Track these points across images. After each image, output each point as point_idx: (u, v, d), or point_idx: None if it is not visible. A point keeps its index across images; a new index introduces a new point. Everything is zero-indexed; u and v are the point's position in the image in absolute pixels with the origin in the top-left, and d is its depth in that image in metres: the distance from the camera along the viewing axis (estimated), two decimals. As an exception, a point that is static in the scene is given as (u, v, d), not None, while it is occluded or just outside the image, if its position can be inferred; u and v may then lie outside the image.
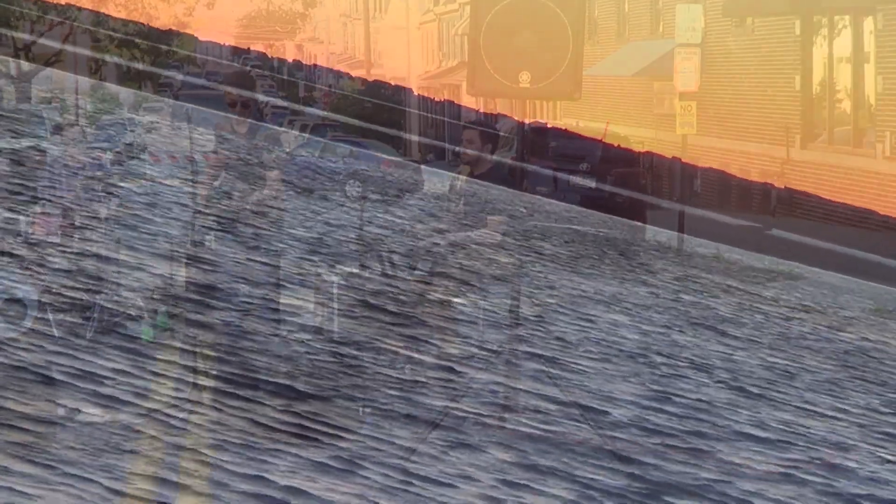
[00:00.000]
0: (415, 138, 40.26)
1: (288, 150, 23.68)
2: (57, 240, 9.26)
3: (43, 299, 7.42)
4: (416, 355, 7.80)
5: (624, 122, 30.23)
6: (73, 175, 12.06)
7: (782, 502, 6.44)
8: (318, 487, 5.42)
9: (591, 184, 22.12)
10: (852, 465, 7.31)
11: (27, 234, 9.34)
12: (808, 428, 8.07)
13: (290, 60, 55.75)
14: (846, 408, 8.91)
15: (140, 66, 34.47)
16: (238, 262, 8.12)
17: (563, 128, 28.25)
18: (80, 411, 5.76)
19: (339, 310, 8.62)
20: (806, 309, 13.87)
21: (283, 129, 28.06)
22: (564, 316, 10.44)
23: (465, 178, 8.57)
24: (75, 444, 5.33)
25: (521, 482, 5.96)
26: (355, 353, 7.69)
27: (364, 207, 14.77)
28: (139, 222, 10.53)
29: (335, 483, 5.54)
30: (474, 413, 6.74)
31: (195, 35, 39.36)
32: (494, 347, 7.73)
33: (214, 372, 6.66)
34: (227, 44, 51.86)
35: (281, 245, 8.39)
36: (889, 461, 7.54)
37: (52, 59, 31.71)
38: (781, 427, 7.94)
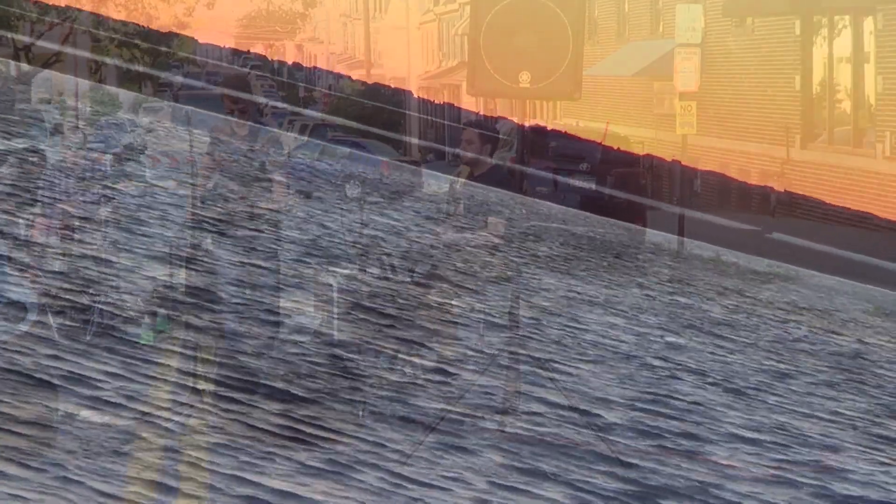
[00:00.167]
0: (414, 139, 40.26)
1: (288, 151, 23.66)
2: (55, 242, 9.25)
3: (42, 302, 7.40)
4: (414, 359, 7.78)
5: (624, 122, 30.22)
6: (71, 177, 12.04)
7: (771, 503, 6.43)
8: (311, 491, 5.41)
9: (591, 185, 22.11)
10: (847, 467, 7.30)
11: (26, 236, 9.32)
12: (803, 430, 8.06)
13: (289, 62, 55.77)
14: (841, 410, 8.90)
15: (140, 67, 34.47)
16: (234, 265, 8.11)
17: (563, 128, 28.24)
18: (77, 415, 5.74)
19: (337, 312, 8.60)
20: (803, 311, 13.87)
21: (283, 130, 28.05)
22: (559, 318, 10.43)
23: (464, 179, 8.56)
24: (72, 449, 5.31)
25: (515, 486, 5.95)
26: (353, 356, 7.68)
27: (363, 209, 14.75)
28: (137, 224, 10.52)
29: (330, 486, 5.53)
30: (469, 416, 6.73)
31: (195, 36, 39.36)
32: (492, 350, 7.71)
33: (213, 375, 6.64)
34: (226, 45, 51.88)
35: (279, 247, 8.38)
36: (883, 464, 7.53)
37: (52, 60, 31.71)
38: (776, 429, 7.93)
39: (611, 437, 6.86)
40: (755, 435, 7.67)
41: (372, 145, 28.96)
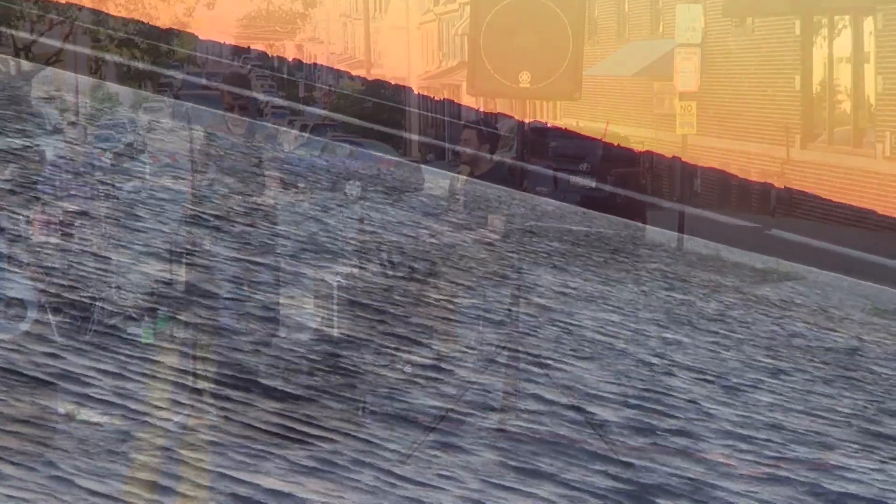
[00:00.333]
0: (415, 138, 40.27)
1: (286, 149, 23.68)
2: (55, 239, 9.26)
3: (42, 300, 7.41)
4: (412, 357, 7.79)
5: (624, 122, 30.23)
6: (72, 174, 12.06)
7: (770, 502, 6.44)
8: (305, 490, 5.42)
9: (591, 184, 22.12)
10: (842, 465, 7.31)
11: (26, 233, 9.33)
12: (798, 428, 8.07)
13: (290, 60, 55.76)
14: (836, 407, 8.92)
15: (140, 65, 34.48)
16: (230, 261, 8.12)
17: (563, 128, 28.24)
18: (74, 414, 5.75)
19: (336, 310, 8.61)
20: (800, 309, 13.88)
21: (282, 128, 28.07)
22: (556, 315, 10.44)
23: (464, 178, 8.58)
24: (68, 448, 5.32)
25: (510, 485, 5.96)
26: (350, 353, 7.69)
27: (363, 207, 14.77)
28: (136, 221, 10.53)
29: (325, 486, 5.54)
30: (466, 414, 6.74)
31: (195, 35, 39.36)
32: (490, 348, 7.72)
33: (211, 374, 6.65)
34: (227, 43, 51.88)
35: (276, 243, 8.39)
36: (879, 462, 7.54)
37: (53, 59, 31.72)
38: (771, 427, 7.94)
39: (606, 435, 6.87)
40: (750, 432, 7.69)
41: (372, 145, 28.97)
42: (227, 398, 6.38)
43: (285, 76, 52.40)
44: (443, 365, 7.69)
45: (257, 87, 47.53)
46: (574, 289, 12.21)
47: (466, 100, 38.54)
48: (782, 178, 26.31)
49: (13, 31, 31.75)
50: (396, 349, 7.90)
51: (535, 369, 7.33)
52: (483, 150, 8.38)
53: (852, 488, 6.87)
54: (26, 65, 30.93)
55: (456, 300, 8.58)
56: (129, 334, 7.14)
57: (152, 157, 14.58)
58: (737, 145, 28.00)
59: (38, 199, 10.60)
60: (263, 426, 6.08)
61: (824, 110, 26.16)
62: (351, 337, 8.06)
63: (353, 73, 48.35)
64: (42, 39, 31.85)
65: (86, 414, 5.75)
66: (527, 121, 17.12)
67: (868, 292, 15.91)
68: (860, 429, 8.34)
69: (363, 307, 8.83)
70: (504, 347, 7.12)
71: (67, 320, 7.13)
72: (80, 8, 32.51)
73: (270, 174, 8.05)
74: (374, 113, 36.85)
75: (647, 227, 20.89)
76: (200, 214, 7.94)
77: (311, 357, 7.41)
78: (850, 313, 14.07)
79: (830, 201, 24.24)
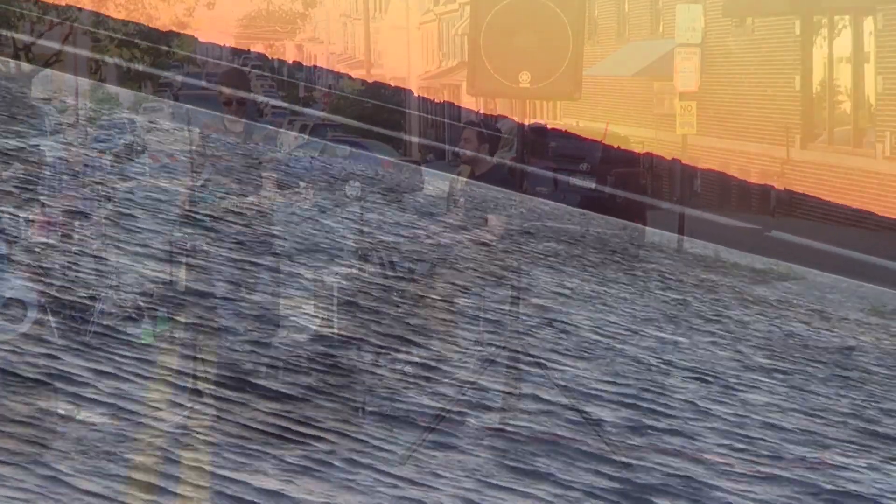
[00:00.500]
0: (415, 139, 40.26)
1: (286, 149, 23.67)
2: (55, 240, 9.25)
3: (42, 300, 7.41)
4: (412, 357, 7.78)
5: (624, 122, 30.22)
6: (71, 175, 12.05)
7: (766, 502, 6.43)
8: (299, 490, 5.40)
9: (591, 184, 22.11)
10: (838, 464, 7.31)
11: (26, 234, 9.33)
12: (794, 427, 8.06)
13: (290, 61, 55.76)
14: (832, 407, 8.92)
15: (140, 66, 34.46)
16: (226, 262, 8.11)
17: (563, 128, 28.23)
18: (76, 415, 5.75)
19: (335, 310, 8.60)
20: (799, 309, 13.88)
21: (281, 129, 28.06)
22: (555, 315, 10.44)
23: (464, 178, 8.57)
24: (65, 449, 5.31)
25: (505, 484, 5.95)
26: (350, 354, 7.68)
27: (363, 207, 14.76)
28: (135, 222, 10.52)
29: (322, 486, 5.53)
30: (463, 413, 6.73)
31: (195, 35, 39.35)
32: (489, 349, 7.72)
33: (209, 374, 6.64)
34: (227, 44, 51.88)
35: (272, 244, 8.37)
36: (874, 460, 7.54)
37: (52, 60, 31.70)
38: (767, 426, 7.93)
39: (605, 435, 6.86)
40: (747, 432, 7.69)
41: (372, 145, 28.95)
42: (224, 399, 6.37)
43: (285, 77, 52.41)
44: (441, 365, 7.68)
45: (257, 87, 47.54)
46: (573, 289, 12.21)
47: (466, 100, 38.54)
48: (782, 178, 26.30)
49: (13, 33, 31.74)
50: (395, 350, 7.89)
51: (533, 369, 7.33)
52: (483, 151, 8.37)
53: (849, 487, 6.87)
54: (26, 66, 30.92)
55: (454, 301, 8.57)
56: (126, 335, 7.13)
57: (152, 158, 14.57)
58: (737, 145, 28.00)
59: (37, 199, 10.60)
60: (260, 426, 6.07)
61: (824, 110, 26.15)
62: (348, 337, 8.05)
63: (353, 73, 48.34)
64: (41, 41, 31.84)
65: (83, 414, 5.74)
66: (527, 121, 17.08)
67: (867, 293, 15.91)
68: (857, 428, 8.34)
69: (361, 308, 8.82)
70: (502, 348, 7.11)
71: (66, 321, 7.12)
72: (80, 9, 32.50)
73: (268, 175, 8.02)
74: (374, 114, 36.84)
75: (647, 228, 20.89)
76: (197, 215, 7.92)
77: (309, 357, 7.40)
78: (848, 314, 14.07)
79: (830, 202, 24.23)
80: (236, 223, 8.08)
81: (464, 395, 6.97)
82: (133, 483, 5.12)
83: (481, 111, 33.69)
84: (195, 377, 6.60)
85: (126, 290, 8.01)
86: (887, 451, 7.82)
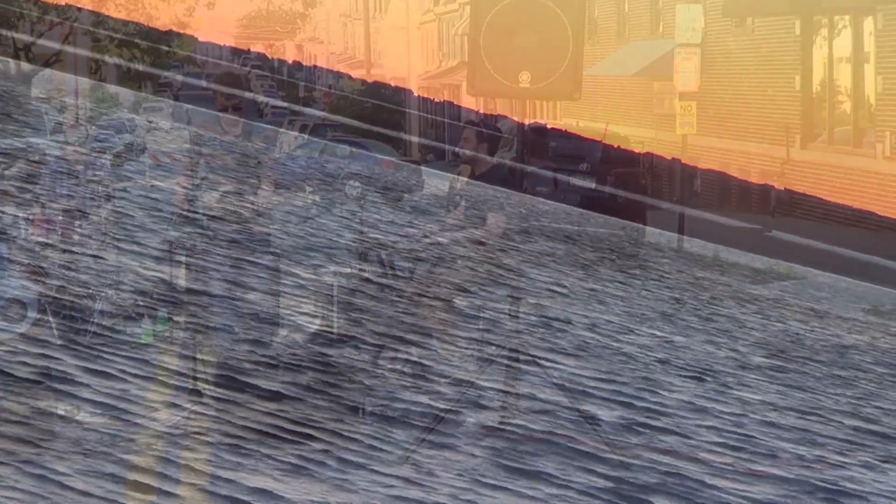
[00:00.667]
0: (415, 139, 40.25)
1: (286, 150, 23.65)
2: (55, 240, 9.25)
3: (42, 301, 7.40)
4: (410, 357, 7.78)
5: (624, 122, 30.21)
6: (71, 175, 12.05)
7: (763, 501, 6.43)
8: (296, 490, 5.40)
9: (591, 184, 22.10)
10: (835, 463, 7.31)
11: (25, 234, 9.33)
12: (792, 426, 8.06)
13: (290, 61, 55.75)
14: (830, 406, 8.92)
15: (140, 66, 34.46)
16: (224, 262, 8.10)
17: (563, 128, 28.23)
18: (76, 415, 5.74)
19: (333, 310, 8.60)
20: (797, 309, 13.88)
21: (281, 129, 28.05)
22: (553, 315, 10.44)
23: (465, 178, 8.56)
24: (62, 449, 5.31)
25: (502, 484, 5.94)
26: (349, 354, 7.68)
27: (363, 208, 14.76)
28: (134, 223, 10.53)
29: (320, 487, 5.52)
30: (460, 413, 6.72)
31: (195, 35, 39.34)
32: (487, 348, 7.72)
33: (206, 374, 6.64)
34: (226, 44, 51.88)
35: (273, 245, 8.37)
36: (872, 459, 7.54)
37: (52, 60, 31.70)
38: (764, 425, 7.94)
39: (605, 435, 6.86)
40: (744, 431, 7.69)
41: (372, 145, 28.94)
42: (221, 398, 6.37)
43: (285, 77, 52.42)
44: (439, 365, 7.68)
45: (257, 87, 47.54)
46: (572, 289, 12.21)
47: (466, 100, 38.53)
48: (782, 178, 26.30)
49: (13, 33, 31.73)
50: (393, 349, 7.89)
51: (531, 368, 7.33)
52: (482, 150, 8.36)
53: (846, 486, 6.87)
54: (26, 66, 30.92)
55: (453, 300, 8.57)
56: (126, 335, 7.13)
57: (151, 158, 14.57)
58: (737, 145, 27.99)
59: (36, 199, 10.60)
60: (256, 426, 6.06)
61: (824, 110, 26.15)
62: (346, 336, 8.05)
63: (353, 73, 48.34)
64: (41, 41, 31.83)
65: (82, 415, 5.74)
66: (527, 121, 17.04)
67: (867, 293, 15.91)
68: (854, 427, 8.34)
69: (360, 307, 8.82)
70: (501, 347, 7.11)
71: (65, 321, 7.12)
72: (80, 9, 32.49)
73: (266, 175, 8.01)
74: (374, 114, 36.84)
75: (647, 228, 20.90)
76: (195, 215, 7.92)
77: (305, 357, 7.40)
78: (847, 314, 14.07)
79: (830, 202, 24.23)
80: (233, 223, 8.08)
81: (463, 395, 6.97)
82: (130, 484, 5.11)
83: (481, 111, 33.69)
84: (193, 377, 6.59)
85: (125, 290, 8.00)
86: (884, 450, 7.83)
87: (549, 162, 21.88)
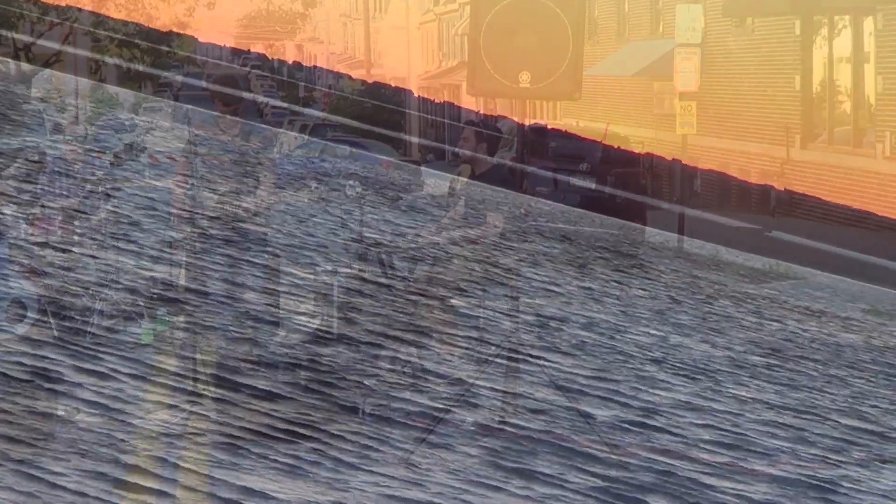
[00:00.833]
0: (415, 139, 40.24)
1: (285, 150, 23.64)
2: (55, 240, 9.25)
3: (42, 301, 7.40)
4: (409, 357, 7.78)
5: (624, 122, 30.21)
6: (70, 175, 12.05)
7: (758, 500, 6.43)
8: (292, 491, 5.40)
9: (591, 184, 22.10)
10: (832, 462, 7.31)
11: (25, 233, 9.32)
12: (791, 426, 8.06)
13: (290, 61, 55.76)
14: (828, 405, 8.91)
15: (140, 66, 34.45)
16: (223, 263, 8.11)
17: (563, 128, 28.23)
18: (75, 415, 5.74)
19: (336, 311, 8.60)
20: (796, 309, 13.87)
21: (280, 129, 28.05)
22: (553, 315, 10.44)
23: (465, 178, 8.56)
24: (60, 449, 5.30)
25: (498, 484, 5.94)
26: (347, 353, 7.67)
27: (363, 208, 14.75)
28: (133, 223, 10.52)
29: (318, 488, 5.52)
30: (458, 413, 6.72)
31: (195, 35, 39.34)
32: (486, 348, 7.72)
33: (204, 375, 6.64)
34: (227, 44, 51.89)
35: (269, 244, 8.37)
36: (869, 458, 7.54)
37: (52, 60, 31.69)
38: (762, 425, 7.93)
39: (595, 433, 6.86)
40: (741, 431, 7.69)
41: (372, 145, 28.94)
42: (218, 399, 6.37)
43: (285, 77, 52.42)
44: (436, 365, 7.68)
45: (257, 87, 47.53)
46: (571, 289, 12.20)
47: (466, 100, 38.53)
48: (782, 178, 26.29)
49: (13, 33, 31.73)
50: (391, 349, 7.89)
51: (526, 367, 7.32)
52: (481, 150, 8.36)
53: (842, 485, 6.87)
54: (26, 66, 30.92)
55: (452, 300, 8.57)
56: (125, 335, 7.12)
57: (151, 159, 14.57)
58: (737, 145, 27.99)
59: (36, 199, 10.60)
60: (252, 426, 6.06)
61: (824, 110, 26.15)
62: (344, 336, 8.05)
63: (353, 73, 48.33)
64: (41, 41, 31.83)
65: (80, 416, 5.73)
66: (527, 121, 17.03)
67: (866, 293, 15.90)
68: (850, 426, 8.34)
69: (357, 307, 8.81)
70: (499, 347, 7.11)
71: (64, 321, 7.11)
72: (80, 9, 32.49)
73: (264, 175, 8.01)
74: (374, 114, 36.83)
75: (647, 228, 20.89)
76: (193, 215, 7.92)
77: (302, 357, 7.40)
78: (846, 313, 14.07)
79: (830, 202, 24.23)
80: (229, 222, 8.08)
81: (462, 396, 6.96)
82: (124, 485, 5.11)
83: (481, 111, 33.69)
84: (193, 378, 6.59)
85: (123, 290, 8.00)
86: (879, 449, 7.83)
87: (549, 162, 21.87)
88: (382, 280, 9.91)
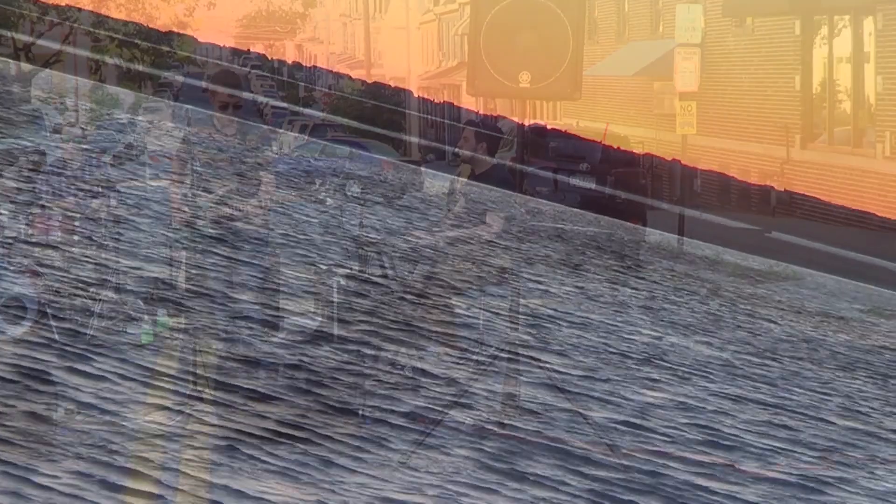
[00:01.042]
0: (415, 139, 40.26)
1: (285, 150, 23.64)
2: (55, 240, 9.25)
3: (42, 301, 7.40)
4: (410, 359, 7.78)
5: (624, 122, 30.22)
6: (71, 176, 12.05)
7: (751, 501, 6.43)
8: (302, 492, 5.39)
9: (591, 184, 22.10)
10: (829, 461, 7.31)
11: (26, 234, 9.33)
12: (789, 425, 8.06)
13: (290, 61, 55.78)
14: (826, 405, 8.91)
15: (140, 66, 34.46)
16: (222, 263, 8.10)
17: (563, 128, 28.23)
18: (74, 415, 5.73)
19: (336, 312, 8.59)
20: (795, 309, 13.87)
21: (279, 129, 28.05)
22: (552, 315, 10.44)
23: (465, 178, 8.56)
24: (58, 449, 5.30)
25: (494, 487, 5.93)
26: (351, 355, 7.67)
27: (363, 208, 14.75)
28: (133, 224, 10.52)
29: (316, 488, 5.52)
30: (456, 414, 6.72)
31: (195, 35, 39.34)
32: (486, 350, 7.71)
33: (203, 376, 6.63)
34: (226, 44, 51.91)
35: (269, 245, 8.37)
36: (866, 458, 7.54)
37: (52, 60, 31.70)
38: (759, 425, 7.93)
39: (588, 435, 6.85)
40: (737, 432, 7.68)
41: (372, 146, 28.94)
42: (215, 402, 6.36)
43: (285, 77, 52.44)
44: (433, 366, 7.68)
45: (257, 87, 47.54)
46: (570, 289, 12.21)
47: (466, 100, 38.55)
48: (782, 179, 26.30)
49: (13, 33, 31.73)
50: (389, 350, 7.88)
51: (522, 369, 7.32)
52: (480, 150, 8.36)
53: (836, 485, 6.87)
54: (26, 66, 30.92)
55: (451, 301, 8.56)
56: (124, 335, 7.12)
57: (151, 159, 14.57)
58: (737, 145, 27.99)
59: (36, 199, 10.60)
60: (249, 429, 6.05)
61: (824, 110, 26.15)
62: (343, 338, 8.04)
63: (353, 73, 48.36)
64: (41, 41, 31.83)
65: (77, 417, 5.73)
66: (527, 121, 17.05)
67: (866, 293, 15.90)
68: (845, 427, 8.35)
69: (366, 309, 8.81)
70: (499, 349, 7.10)
71: (63, 322, 7.11)
72: (80, 9, 32.49)
73: (263, 175, 8.00)
74: (374, 114, 36.84)
75: (647, 228, 20.90)
76: (192, 215, 7.92)
77: (300, 358, 7.39)
78: (845, 314, 14.07)
79: (830, 202, 24.23)
80: (227, 222, 8.07)
81: (459, 397, 6.96)
82: (121, 488, 5.10)
83: (481, 111, 33.70)
84: (189, 380, 6.58)
85: (122, 290, 8.00)
86: (874, 450, 7.83)
87: (548, 162, 21.88)
88: (381, 280, 9.91)
